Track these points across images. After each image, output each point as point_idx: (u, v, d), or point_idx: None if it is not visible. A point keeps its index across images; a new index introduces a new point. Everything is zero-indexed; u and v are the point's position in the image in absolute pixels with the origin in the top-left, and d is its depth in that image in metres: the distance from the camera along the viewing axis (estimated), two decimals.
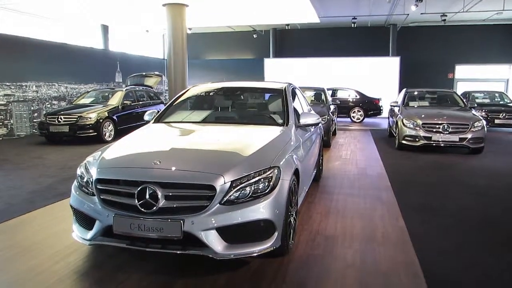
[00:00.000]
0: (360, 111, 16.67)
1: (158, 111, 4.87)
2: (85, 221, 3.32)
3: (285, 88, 4.80)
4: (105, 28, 17.78)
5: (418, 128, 9.03)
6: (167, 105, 4.95)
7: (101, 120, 10.43)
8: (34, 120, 12.51)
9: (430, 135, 8.89)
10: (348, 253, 3.60)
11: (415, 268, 3.31)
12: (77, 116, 10.26)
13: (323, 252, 3.61)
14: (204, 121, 4.63)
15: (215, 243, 2.97)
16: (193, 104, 5.14)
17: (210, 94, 5.26)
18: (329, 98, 11.07)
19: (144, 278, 3.13)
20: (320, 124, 6.14)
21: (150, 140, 3.94)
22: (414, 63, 20.05)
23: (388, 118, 12.25)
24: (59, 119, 10.22)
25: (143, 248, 3.06)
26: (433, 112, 9.68)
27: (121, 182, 3.14)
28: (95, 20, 17.05)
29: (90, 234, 3.24)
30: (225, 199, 2.99)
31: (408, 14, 16.77)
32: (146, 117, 4.85)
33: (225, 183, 2.99)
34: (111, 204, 3.13)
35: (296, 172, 3.70)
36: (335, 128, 12.13)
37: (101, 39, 17.67)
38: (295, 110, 4.68)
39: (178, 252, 2.99)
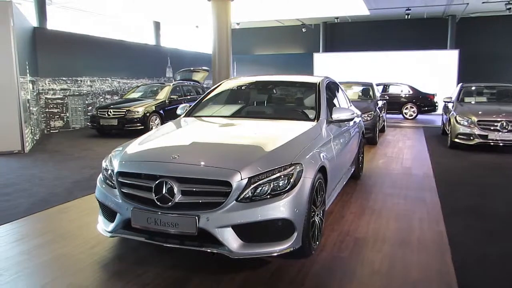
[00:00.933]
0: (413, 108, 15.90)
1: (190, 105, 4.85)
2: (108, 213, 3.35)
3: (319, 82, 4.60)
4: (157, 25, 18.24)
5: (472, 126, 8.42)
6: (199, 99, 4.92)
7: (148, 114, 10.69)
8: (88, 114, 13.07)
9: (486, 134, 8.26)
10: (377, 257, 3.37)
11: (450, 278, 3.03)
12: (125, 110, 10.58)
13: (350, 255, 3.41)
14: (234, 115, 4.55)
15: (231, 241, 2.88)
16: (226, 98, 5.06)
17: (243, 88, 5.16)
18: (377, 94, 10.61)
19: (161, 272, 3.10)
20: (359, 120, 5.87)
21: (175, 134, 3.91)
22: (474, 57, 18.84)
23: (442, 115, 11.59)
24: (109, 113, 10.60)
25: (161, 243, 3.03)
26: (491, 108, 9.00)
27: (140, 176, 3.12)
28: (148, 17, 17.53)
29: (111, 226, 3.26)
30: (242, 196, 2.88)
31: (468, 4, 15.75)
32: (178, 111, 4.85)
33: (242, 179, 2.88)
34: (131, 197, 3.13)
35: (323, 170, 3.52)
36: (383, 125, 11.65)
37: (153, 36, 18.14)
38: (331, 105, 4.48)
39: (193, 248, 2.94)
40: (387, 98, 12.82)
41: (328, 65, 19.84)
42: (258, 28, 22.39)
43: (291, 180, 3.01)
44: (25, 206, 4.81)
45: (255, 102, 4.88)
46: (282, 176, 3.00)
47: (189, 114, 4.62)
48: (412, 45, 19.27)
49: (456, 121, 8.71)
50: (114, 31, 16.63)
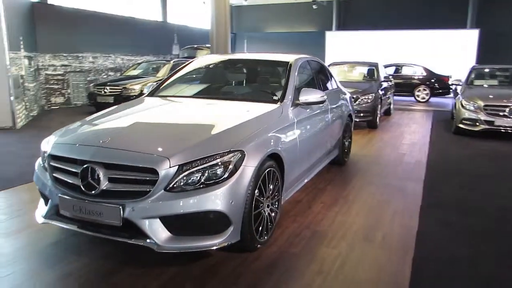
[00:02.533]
0: (426, 90, 15.22)
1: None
2: (45, 199, 3.15)
3: (291, 62, 4.23)
4: (163, 1, 17.86)
5: (478, 111, 7.90)
6: (166, 77, 4.63)
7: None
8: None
9: (492, 119, 7.74)
10: (330, 255, 3.08)
11: (402, 281, 2.73)
12: (121, 88, 10.39)
13: (301, 251, 3.13)
14: (195, 95, 4.25)
15: (158, 233, 2.64)
16: (193, 77, 4.76)
17: (212, 66, 4.85)
18: (382, 75, 10.09)
19: (91, 263, 2.89)
20: (344, 103, 5.50)
21: (121, 114, 3.62)
22: (495, 37, 17.84)
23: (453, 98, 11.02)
24: (105, 90, 10.42)
25: (92, 233, 2.82)
26: (501, 92, 8.44)
27: (69, 160, 2.89)
28: None
29: (43, 212, 3.06)
30: (171, 185, 2.63)
31: None
32: (145, 90, 4.59)
33: (170, 167, 2.62)
34: (60, 182, 2.91)
35: (277, 157, 3.23)
36: (389, 108, 11.16)
37: (160, 12, 17.79)
38: (308, 86, 4.15)
39: (120, 240, 2.71)
40: (399, 80, 12.23)
41: (341, 44, 19.17)
42: (268, 5, 21.74)
43: (229, 169, 2.73)
44: None
45: (222, 82, 4.58)
46: (220, 164, 2.73)
47: (152, 93, 4.35)
48: (430, 24, 18.37)
49: (462, 105, 8.20)
50: (121, 7, 16.33)
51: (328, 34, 19.80)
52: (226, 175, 2.71)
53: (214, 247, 2.72)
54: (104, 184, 2.69)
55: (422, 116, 11.58)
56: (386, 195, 4.53)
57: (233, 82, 4.57)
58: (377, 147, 7.11)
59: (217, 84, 4.57)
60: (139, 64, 12.59)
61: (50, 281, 2.66)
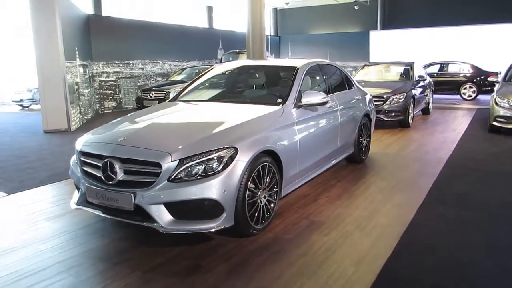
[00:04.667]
0: (472, 88, 14.79)
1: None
2: (77, 188, 3.76)
3: (299, 67, 4.60)
4: (209, 9, 18.65)
5: None
6: (188, 84, 5.15)
7: None
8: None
9: None
10: (319, 241, 3.42)
11: (377, 263, 3.02)
12: (165, 92, 11.14)
13: (294, 237, 3.49)
14: (210, 99, 4.74)
15: (163, 217, 3.12)
16: (212, 82, 5.25)
17: (228, 73, 5.31)
18: (416, 74, 10.07)
19: (111, 242, 3.44)
20: (360, 103, 5.75)
21: (142, 116, 4.17)
22: None
23: None
24: (151, 94, 11.23)
25: (113, 216, 3.36)
26: None
27: (94, 155, 3.46)
28: (201, 2, 17.98)
29: (75, 200, 3.66)
30: (173, 176, 3.10)
31: None
32: (170, 95, 5.13)
33: (172, 161, 3.10)
34: (87, 174, 3.49)
35: (275, 154, 3.61)
36: (426, 107, 11.08)
37: (206, 19, 18.60)
38: (320, 89, 4.53)
39: (134, 222, 3.22)
40: (445, 78, 12.00)
41: (386, 43, 19.01)
42: (311, 7, 21.94)
43: (223, 163, 3.17)
44: (41, 179, 5.43)
45: (235, 87, 5.03)
46: (216, 158, 3.17)
47: (175, 98, 4.89)
48: (479, 19, 17.75)
49: (496, 102, 8.08)
50: (169, 16, 17.30)
51: (373, 33, 19.70)
52: (220, 168, 3.15)
53: (212, 230, 3.16)
54: (120, 176, 3.22)
55: (463, 114, 11.38)
56: (393, 189, 4.75)
57: (245, 86, 5.01)
58: (403, 146, 7.24)
59: (231, 88, 5.04)
60: (183, 69, 13.36)
61: (76, 253, 3.23)
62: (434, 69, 15.50)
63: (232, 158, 3.20)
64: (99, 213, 3.43)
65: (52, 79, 9.03)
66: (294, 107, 4.15)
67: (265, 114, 3.87)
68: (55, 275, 2.89)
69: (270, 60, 5.41)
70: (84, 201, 3.55)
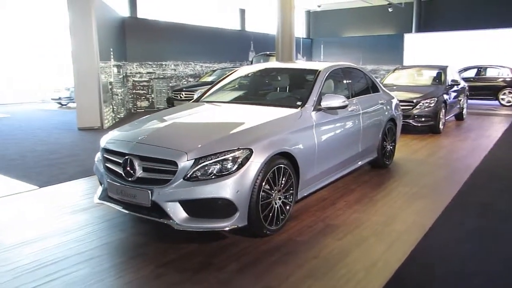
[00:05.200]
0: (511, 93, 14.25)
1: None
2: (100, 184, 3.91)
3: (320, 70, 4.61)
4: (242, 11, 18.83)
5: None
6: (212, 85, 5.26)
7: None
8: None
9: None
10: (332, 245, 3.42)
11: (390, 268, 3.00)
12: (194, 93, 11.32)
13: (307, 240, 3.50)
14: (231, 101, 4.81)
15: (178, 214, 3.21)
16: (235, 84, 5.33)
17: (251, 75, 5.37)
18: (449, 78, 9.81)
19: (129, 236, 3.57)
20: (384, 107, 5.69)
21: (165, 116, 4.28)
22: None
23: None
24: (181, 95, 11.47)
25: (132, 212, 3.48)
26: None
27: (115, 153, 3.59)
28: (234, 5, 18.19)
29: (98, 194, 3.82)
30: (188, 175, 3.19)
31: None
32: (194, 95, 5.25)
33: (188, 160, 3.18)
34: (109, 171, 3.63)
35: (289, 156, 3.64)
36: (460, 112, 10.78)
37: (238, 21, 18.79)
38: (340, 92, 4.53)
39: (151, 218, 3.33)
40: (482, 82, 11.64)
41: (421, 46, 18.60)
42: (344, 10, 21.74)
43: (237, 163, 3.23)
44: (70, 173, 5.67)
45: (257, 89, 5.08)
46: (231, 159, 3.23)
47: (198, 99, 5.00)
48: None
49: None
50: (202, 18, 17.60)
51: (407, 36, 19.30)
52: (234, 169, 3.21)
53: (226, 229, 3.22)
54: (139, 173, 3.33)
55: (500, 121, 10.99)
56: (414, 196, 4.67)
57: (267, 89, 5.06)
58: (430, 152, 7.08)
59: (253, 90, 5.10)
60: (214, 71, 13.55)
61: (95, 246, 3.37)
62: (471, 73, 15.05)
63: (247, 159, 3.25)
64: (119, 208, 3.55)
65: (86, 79, 9.39)
66: (313, 110, 4.16)
67: (283, 116, 3.91)
68: (73, 265, 3.03)
69: (293, 63, 5.43)
70: (106, 196, 3.69)
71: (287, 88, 4.94)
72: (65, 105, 15.50)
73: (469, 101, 12.52)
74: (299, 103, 4.23)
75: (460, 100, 10.56)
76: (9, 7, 16.10)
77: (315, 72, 4.59)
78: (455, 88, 9.96)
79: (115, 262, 3.13)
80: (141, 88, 13.60)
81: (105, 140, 3.83)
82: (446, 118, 9.36)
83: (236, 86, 5.31)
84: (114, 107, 11.00)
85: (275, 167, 3.46)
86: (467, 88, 11.34)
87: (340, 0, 18.78)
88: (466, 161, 6.36)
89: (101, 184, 3.88)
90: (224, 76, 5.41)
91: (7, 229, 3.72)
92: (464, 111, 11.12)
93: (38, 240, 3.50)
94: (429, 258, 3.20)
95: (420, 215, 4.10)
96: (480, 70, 14.96)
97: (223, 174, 3.19)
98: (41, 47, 17.34)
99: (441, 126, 8.88)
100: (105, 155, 3.72)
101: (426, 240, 3.49)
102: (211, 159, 3.21)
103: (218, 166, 3.21)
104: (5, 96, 15.80)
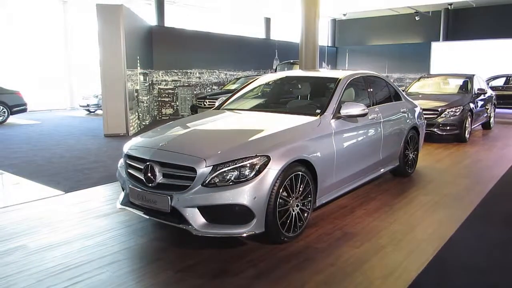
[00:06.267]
0: None
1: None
2: (123, 190, 4.02)
3: (340, 78, 4.62)
4: (267, 20, 18.99)
5: None
6: (233, 92, 5.33)
7: None
8: None
9: None
10: (349, 252, 3.41)
11: (407, 277, 2.97)
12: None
13: (325, 247, 3.50)
14: (251, 109, 4.86)
15: (196, 220, 3.26)
16: (255, 92, 5.38)
17: (271, 83, 5.42)
18: (476, 87, 9.62)
19: (148, 241, 3.65)
20: (408, 116, 5.64)
21: (186, 123, 4.37)
22: None
23: None
24: (205, 103, 11.63)
25: (152, 217, 3.55)
26: None
27: (137, 159, 3.69)
28: (259, 14, 18.36)
29: (120, 200, 3.92)
30: (206, 181, 3.25)
31: None
32: (216, 103, 5.34)
33: (206, 166, 3.24)
34: (131, 176, 3.73)
35: (307, 163, 3.66)
36: (488, 121, 10.54)
37: (263, 30, 18.94)
38: (361, 101, 4.53)
39: (170, 224, 3.40)
40: (486, 92, 11.36)
41: (448, 55, 18.28)
42: (370, 18, 21.58)
43: (255, 170, 3.27)
44: (95, 179, 5.84)
45: (277, 97, 5.12)
46: (249, 165, 3.28)
47: (219, 107, 5.08)
48: None
49: None
50: (228, 27, 17.84)
51: (434, 45, 19.00)
52: (251, 175, 3.25)
53: (244, 235, 3.26)
54: (159, 179, 3.41)
55: None
56: (436, 205, 4.60)
57: (287, 97, 5.10)
58: (455, 161, 6.95)
59: (273, 98, 5.15)
60: (238, 79, 13.69)
61: (117, 250, 3.46)
62: (500, 82, 14.70)
63: (264, 166, 3.29)
64: (140, 213, 3.64)
65: (113, 87, 9.65)
66: (332, 118, 4.17)
67: (301, 124, 3.94)
68: (95, 269, 3.13)
69: (315, 71, 5.47)
70: (128, 202, 3.78)
71: (308, 96, 4.97)
72: (93, 112, 15.92)
73: (498, 110, 12.25)
74: (318, 111, 4.25)
75: (487, 108, 10.34)
76: (43, 18, 16.73)
77: (335, 81, 4.61)
78: (482, 96, 9.75)
79: (135, 266, 3.21)
80: (166, 95, 13.86)
81: (128, 147, 3.94)
82: (473, 127, 9.18)
83: (257, 94, 5.37)
84: (140, 114, 11.25)
85: (293, 174, 3.48)
86: (494, 97, 11.11)
87: (366, 8, 18.65)
88: (491, 170, 6.22)
89: (123, 189, 3.99)
90: (245, 84, 5.48)
91: (33, 234, 3.86)
92: (492, 120, 10.87)
93: (64, 244, 3.61)
94: (448, 269, 3.15)
95: (441, 224, 4.04)
96: (509, 79, 14.59)
97: (240, 180, 3.24)
98: (73, 55, 17.90)
99: (467, 135, 8.71)
100: (127, 161, 3.82)
101: (446, 250, 3.44)
102: (229, 166, 3.26)
103: (235, 173, 3.26)
104: (37, 103, 16.35)
